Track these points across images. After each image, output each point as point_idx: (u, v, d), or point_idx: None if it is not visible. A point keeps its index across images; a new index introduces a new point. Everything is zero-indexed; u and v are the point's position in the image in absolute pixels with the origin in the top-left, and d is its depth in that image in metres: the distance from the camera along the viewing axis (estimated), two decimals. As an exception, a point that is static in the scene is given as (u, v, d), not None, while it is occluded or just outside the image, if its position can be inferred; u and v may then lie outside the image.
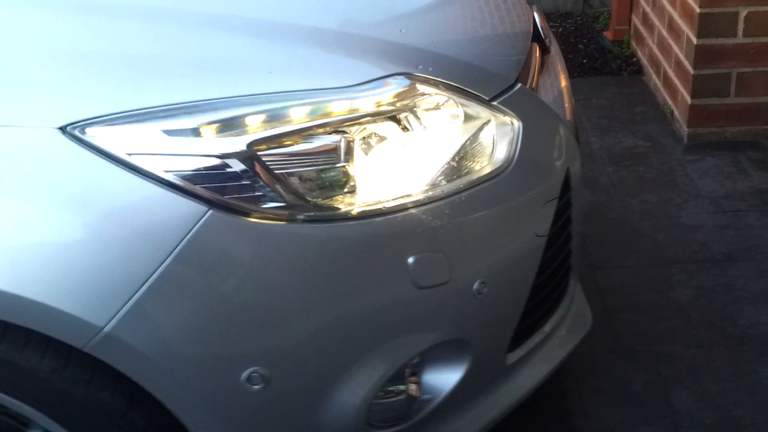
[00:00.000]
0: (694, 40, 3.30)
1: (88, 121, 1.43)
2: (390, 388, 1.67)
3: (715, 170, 3.26)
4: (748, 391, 2.29)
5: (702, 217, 3.00)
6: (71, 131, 1.42)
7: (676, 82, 3.53)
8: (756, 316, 2.54)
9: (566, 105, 2.03)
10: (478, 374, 1.77)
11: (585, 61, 4.24)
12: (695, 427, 2.19)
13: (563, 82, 2.10)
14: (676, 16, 3.51)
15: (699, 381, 2.33)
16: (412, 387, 1.70)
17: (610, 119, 3.68)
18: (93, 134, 1.42)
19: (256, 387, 1.51)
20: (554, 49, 2.19)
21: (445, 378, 1.73)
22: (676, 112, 3.56)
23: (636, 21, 4.20)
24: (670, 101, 3.64)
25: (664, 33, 3.68)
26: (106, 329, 1.40)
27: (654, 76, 3.87)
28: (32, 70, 1.48)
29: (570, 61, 4.12)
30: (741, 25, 3.26)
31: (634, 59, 4.18)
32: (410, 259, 1.57)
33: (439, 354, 1.70)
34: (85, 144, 1.42)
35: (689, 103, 3.39)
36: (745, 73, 3.34)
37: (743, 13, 3.25)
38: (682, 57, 3.45)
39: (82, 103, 1.44)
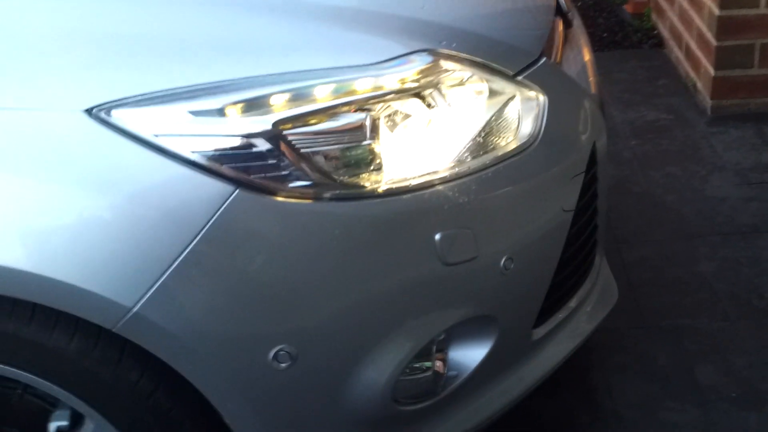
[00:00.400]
0: (716, 12, 3.27)
1: (114, 103, 1.42)
2: (416, 365, 1.67)
3: (739, 142, 3.24)
4: (774, 364, 2.28)
5: (727, 189, 2.98)
6: (97, 113, 1.42)
7: (699, 54, 3.50)
8: (782, 288, 2.53)
9: (591, 79, 2.02)
10: (504, 350, 1.77)
11: (605, 34, 4.20)
12: (721, 401, 2.19)
13: (587, 56, 2.08)
14: (698, -13, 3.48)
15: (724, 355, 2.32)
16: (438, 364, 1.71)
17: (632, 93, 3.66)
18: (119, 116, 1.42)
19: (283, 365, 1.51)
20: (577, 22, 2.17)
21: (471, 354, 1.73)
22: (699, 85, 3.53)
23: (657, -7, 4.16)
24: (692, 73, 3.61)
25: (686, 5, 3.64)
26: (135, 309, 1.41)
27: (675, 49, 3.83)
28: (56, 53, 1.47)
29: (590, 35, 4.08)
30: (764, -4, 3.23)
31: (655, 32, 4.14)
32: (437, 236, 1.57)
33: (466, 330, 1.70)
34: (111, 126, 1.42)
35: (712, 75, 3.36)
36: (768, 44, 3.31)
37: (766, -17, 3.21)
38: (704, 29, 3.41)
39: (107, 85, 1.44)
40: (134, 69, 1.46)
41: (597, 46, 4.07)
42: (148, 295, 1.41)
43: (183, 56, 1.49)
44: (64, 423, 1.57)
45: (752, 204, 2.89)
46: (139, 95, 1.43)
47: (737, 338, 2.37)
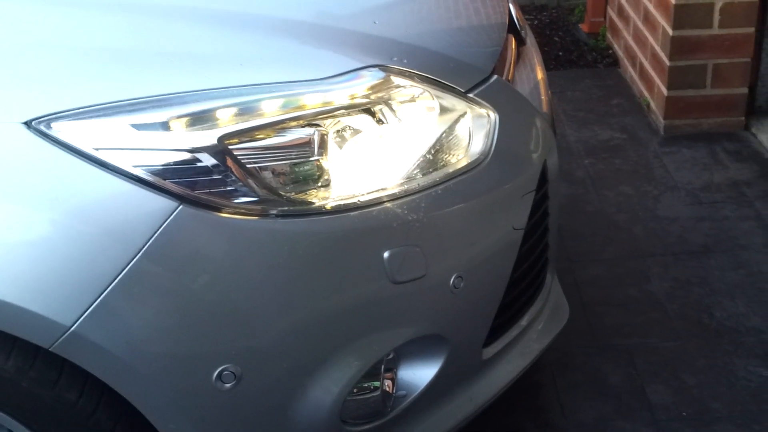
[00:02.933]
0: (670, 32, 3.29)
1: (54, 116, 1.39)
2: (364, 385, 1.65)
3: (691, 162, 3.26)
4: (724, 383, 2.29)
5: (679, 209, 2.99)
6: (36, 126, 1.38)
7: (652, 73, 3.53)
8: (733, 307, 2.54)
9: (543, 97, 2.02)
10: (454, 370, 1.75)
11: (560, 53, 4.23)
12: (672, 420, 2.19)
13: (539, 74, 2.08)
14: (651, 7, 3.50)
15: (676, 374, 2.32)
16: (387, 383, 1.68)
17: (587, 112, 3.67)
18: (59, 129, 1.39)
19: (227, 385, 1.48)
20: (530, 40, 2.17)
21: (420, 374, 1.71)
22: (652, 104, 3.56)
23: (611, 13, 4.19)
24: (646, 93, 3.63)
25: (640, 25, 3.67)
26: (73, 328, 1.37)
27: (630, 68, 3.86)
28: (-4, 63, 1.44)
29: (545, 54, 4.11)
30: (717, 17, 3.26)
31: (610, 51, 4.17)
32: (386, 254, 1.55)
33: (415, 349, 1.68)
34: (50, 139, 1.38)
35: (665, 94, 3.39)
36: (720, 65, 3.34)
37: (719, 4, 3.24)
38: (658, 49, 3.44)
39: (47, 97, 1.41)
40: (75, 81, 1.43)
41: (552, 65, 4.08)
42: (87, 314, 1.37)
43: (127, 68, 1.47)
44: (1, 445, 1.53)
45: (703, 224, 2.91)
46: (79, 108, 1.40)
47: (688, 357, 2.38)
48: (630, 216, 2.97)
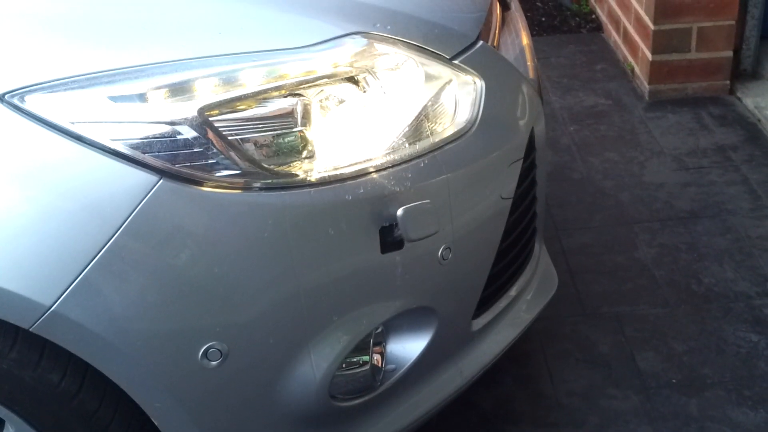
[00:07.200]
0: (654, -5, 3.26)
1: (28, 89, 1.35)
2: (353, 359, 1.62)
3: (676, 127, 3.24)
4: (714, 349, 2.28)
5: (665, 174, 2.97)
6: (9, 100, 1.34)
7: (636, 38, 3.49)
8: (721, 273, 2.52)
9: (529, 63, 1.98)
10: (444, 342, 1.73)
11: (543, 19, 4.19)
12: (662, 387, 2.18)
13: (525, 40, 2.04)
14: (635, -29, 3.47)
15: (665, 341, 2.31)
16: (376, 357, 1.66)
17: (571, 78, 3.64)
18: (33, 102, 1.35)
19: (213, 363, 1.45)
20: (514, 5, 2.13)
21: (409, 347, 1.69)
22: (636, 69, 3.53)
23: (594, -23, 4.15)
24: (630, 58, 3.60)
25: (623, -12, 3.63)
26: (54, 308, 1.33)
27: (614, 33, 3.83)
28: (-34, 35, 1.40)
29: (528, 20, 4.06)
30: (700, -21, 3.23)
31: (593, 16, 4.14)
32: (372, 226, 1.51)
33: (404, 322, 1.66)
34: (24, 113, 1.34)
35: (650, 59, 3.35)
36: (705, 28, 3.31)
37: (703, -34, 3.21)
38: (641, 12, 3.40)
39: (20, 69, 1.36)
40: (50, 52, 1.39)
41: (535, 31, 4.05)
42: (67, 293, 1.33)
43: (103, 38, 1.42)
44: (-18, 427, 1.50)
45: (689, 189, 2.89)
46: (54, 80, 1.36)
47: (677, 324, 2.36)
48: (616, 183, 2.95)
